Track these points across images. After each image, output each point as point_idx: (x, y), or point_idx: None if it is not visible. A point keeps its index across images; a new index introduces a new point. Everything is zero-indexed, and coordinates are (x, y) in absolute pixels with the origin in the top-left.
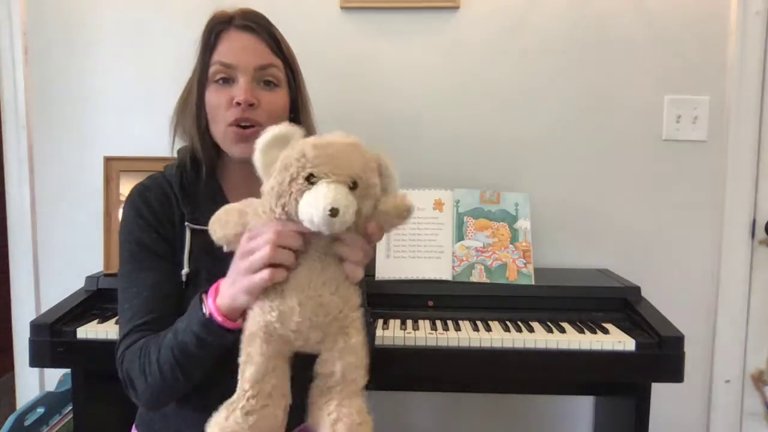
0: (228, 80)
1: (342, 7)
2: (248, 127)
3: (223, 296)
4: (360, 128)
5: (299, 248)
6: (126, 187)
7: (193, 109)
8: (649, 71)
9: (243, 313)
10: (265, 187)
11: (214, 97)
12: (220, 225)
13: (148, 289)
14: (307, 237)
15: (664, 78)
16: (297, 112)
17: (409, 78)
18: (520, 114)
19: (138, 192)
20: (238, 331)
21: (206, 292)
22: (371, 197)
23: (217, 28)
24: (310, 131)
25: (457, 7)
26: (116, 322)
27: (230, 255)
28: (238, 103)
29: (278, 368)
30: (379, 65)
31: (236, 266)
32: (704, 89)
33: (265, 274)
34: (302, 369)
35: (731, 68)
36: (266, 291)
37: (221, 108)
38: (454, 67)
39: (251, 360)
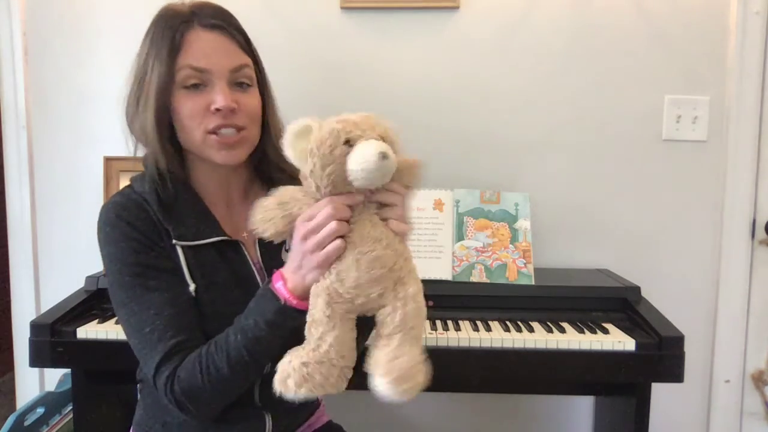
0: (199, 85)
1: (342, 7)
2: (229, 130)
3: (293, 280)
4: None
5: (349, 218)
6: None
7: (151, 117)
8: (649, 71)
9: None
10: (305, 171)
11: (186, 104)
12: (269, 222)
13: (168, 307)
14: (356, 204)
15: (664, 78)
16: (265, 109)
17: (409, 78)
18: (520, 114)
19: (115, 213)
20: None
21: (269, 283)
22: (396, 153)
23: (180, 27)
24: (277, 127)
25: (457, 7)
26: (116, 323)
27: (217, 268)
28: (218, 110)
29: (339, 329)
30: (379, 65)
31: (302, 247)
32: (704, 89)
33: (337, 243)
34: None
35: (731, 68)
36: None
37: (197, 116)
38: (453, 67)
39: (315, 320)
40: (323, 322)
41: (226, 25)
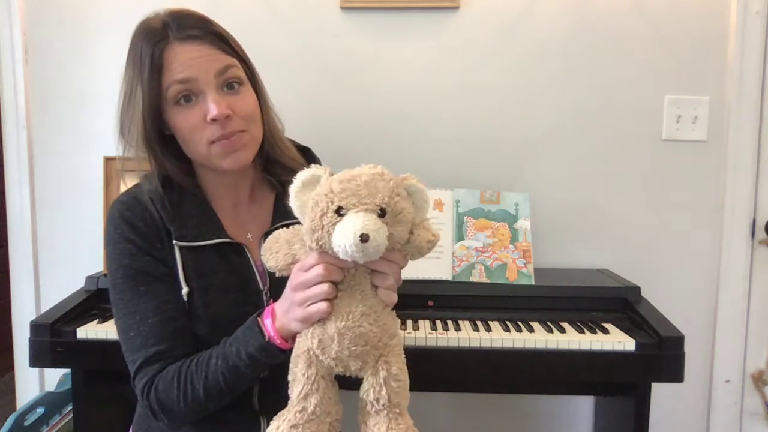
0: (189, 97)
1: (342, 7)
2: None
3: (281, 321)
4: (359, 127)
5: (340, 281)
6: (126, 187)
7: (141, 137)
8: (649, 71)
9: (294, 336)
10: (304, 226)
11: (183, 120)
12: (272, 255)
13: (152, 315)
14: (347, 269)
15: (664, 78)
16: (260, 105)
17: (409, 78)
18: (520, 114)
19: (119, 213)
20: (290, 351)
21: (260, 315)
22: (403, 222)
23: (158, 45)
24: (273, 122)
25: (457, 7)
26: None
27: (215, 270)
28: (214, 120)
29: (321, 388)
30: (379, 65)
31: (291, 297)
32: (704, 89)
33: (321, 306)
34: None
35: (731, 68)
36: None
37: (196, 130)
38: (454, 67)
39: (296, 379)
40: (304, 383)
41: (202, 33)
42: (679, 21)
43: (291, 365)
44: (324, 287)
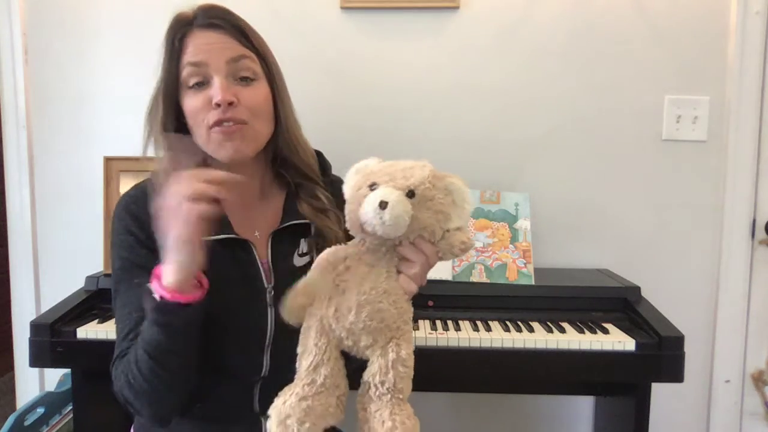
0: (202, 83)
1: (342, 7)
2: (229, 123)
3: (165, 273)
4: (360, 127)
5: (217, 193)
6: (126, 187)
7: (160, 122)
8: (649, 71)
9: (199, 286)
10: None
11: (191, 102)
12: (290, 312)
13: (138, 309)
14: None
15: (664, 78)
16: (276, 103)
17: (409, 78)
18: (520, 114)
19: (125, 205)
20: (197, 304)
21: (149, 281)
22: (432, 210)
23: (180, 32)
24: (288, 122)
25: (457, 7)
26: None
27: (221, 266)
28: (218, 105)
29: (332, 359)
30: (379, 65)
31: (165, 233)
32: (704, 89)
33: (193, 205)
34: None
35: (731, 68)
36: (330, 289)
37: (200, 112)
38: (454, 67)
39: (306, 350)
40: (315, 353)
41: (223, 22)
42: (679, 21)
43: (301, 337)
44: (184, 189)
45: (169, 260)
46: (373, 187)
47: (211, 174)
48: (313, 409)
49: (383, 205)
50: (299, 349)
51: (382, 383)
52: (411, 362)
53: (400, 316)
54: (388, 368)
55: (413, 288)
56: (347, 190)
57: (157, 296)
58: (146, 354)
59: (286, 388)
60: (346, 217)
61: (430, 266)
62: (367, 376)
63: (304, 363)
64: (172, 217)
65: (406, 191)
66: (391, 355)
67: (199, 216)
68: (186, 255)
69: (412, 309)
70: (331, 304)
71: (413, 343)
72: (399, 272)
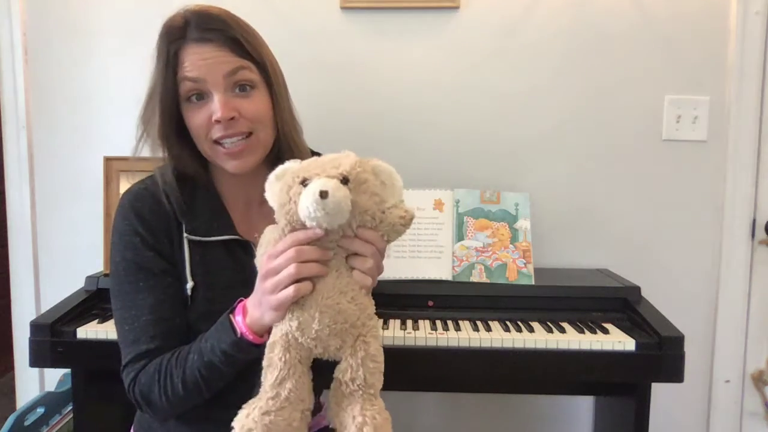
0: (202, 95)
1: (342, 7)
2: (233, 139)
3: (252, 315)
4: (360, 128)
5: (321, 258)
6: (125, 187)
7: (157, 129)
8: (649, 71)
9: (269, 329)
10: (276, 208)
11: (193, 117)
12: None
13: (147, 312)
14: (316, 239)
15: (664, 78)
16: (274, 108)
17: (409, 78)
18: (520, 114)
19: (130, 203)
20: (263, 346)
21: (232, 311)
22: (367, 193)
23: (174, 44)
24: (287, 128)
25: (457, 7)
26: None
27: (222, 267)
28: (218, 121)
29: (297, 373)
30: (379, 65)
31: (261, 286)
32: (704, 89)
33: (290, 291)
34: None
35: (731, 68)
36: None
37: (202, 128)
38: (454, 67)
39: (272, 364)
40: (280, 367)
41: (217, 35)
42: (679, 21)
43: (267, 351)
44: (292, 269)
45: (257, 306)
46: (305, 182)
47: (313, 248)
48: (276, 424)
49: (323, 194)
50: (264, 363)
51: (353, 380)
52: (380, 357)
53: (363, 311)
54: (358, 366)
55: (368, 282)
56: (273, 196)
57: (238, 334)
58: (199, 374)
59: (250, 401)
60: (284, 219)
61: (381, 255)
62: (337, 373)
63: (269, 377)
64: (274, 280)
65: (341, 179)
66: (360, 353)
67: (298, 294)
68: (277, 316)
69: (373, 303)
70: (293, 318)
71: (380, 337)
72: (352, 269)
